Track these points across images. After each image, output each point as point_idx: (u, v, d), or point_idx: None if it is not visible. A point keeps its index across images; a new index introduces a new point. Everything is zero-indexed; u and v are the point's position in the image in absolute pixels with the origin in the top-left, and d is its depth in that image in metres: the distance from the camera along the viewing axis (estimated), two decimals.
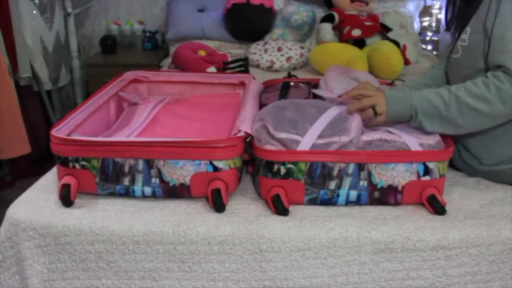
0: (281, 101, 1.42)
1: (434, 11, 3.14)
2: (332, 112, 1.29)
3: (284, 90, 1.63)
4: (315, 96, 1.62)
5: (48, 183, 1.35)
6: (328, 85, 1.58)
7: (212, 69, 2.38)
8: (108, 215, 1.20)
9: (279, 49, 2.67)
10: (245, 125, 1.28)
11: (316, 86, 1.70)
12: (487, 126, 1.27)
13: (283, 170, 1.20)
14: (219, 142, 1.19)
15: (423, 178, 1.22)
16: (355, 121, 1.27)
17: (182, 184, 1.22)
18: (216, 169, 1.21)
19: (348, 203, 1.24)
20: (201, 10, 2.99)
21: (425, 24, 3.16)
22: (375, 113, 1.28)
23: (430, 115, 1.25)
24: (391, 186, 1.22)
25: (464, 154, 1.40)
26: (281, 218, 1.19)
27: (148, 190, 1.25)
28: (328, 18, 2.76)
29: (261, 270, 1.15)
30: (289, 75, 1.84)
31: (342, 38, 2.69)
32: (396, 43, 2.54)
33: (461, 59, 1.38)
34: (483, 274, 1.16)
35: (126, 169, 1.23)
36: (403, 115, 1.28)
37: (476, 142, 1.36)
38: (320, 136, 1.22)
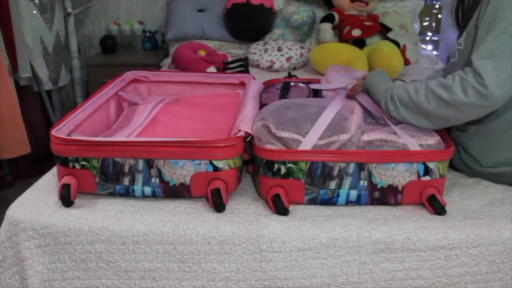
0: (282, 101, 1.42)
1: (434, 11, 3.14)
2: (333, 109, 1.28)
3: (284, 90, 1.63)
4: (315, 95, 1.62)
5: (48, 183, 1.34)
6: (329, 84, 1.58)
7: (212, 69, 2.38)
8: (108, 215, 1.20)
9: (279, 49, 2.67)
10: (245, 124, 1.28)
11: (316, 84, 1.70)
12: (454, 119, 1.25)
13: (283, 170, 1.20)
14: (219, 142, 1.19)
15: (423, 178, 1.22)
16: (355, 121, 1.27)
17: (182, 184, 1.22)
18: (216, 169, 1.21)
19: (348, 203, 1.24)
20: (201, 10, 2.99)
21: (425, 24, 3.16)
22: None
23: (404, 100, 1.27)
24: (391, 186, 1.22)
25: (463, 156, 1.40)
26: (281, 218, 1.19)
27: (148, 190, 1.25)
28: (328, 18, 2.76)
29: (261, 270, 1.15)
30: (289, 75, 1.84)
31: (342, 38, 2.69)
32: (396, 43, 2.54)
33: (457, 63, 1.39)
34: (483, 274, 1.16)
35: (126, 169, 1.23)
36: (378, 88, 1.35)
37: (475, 144, 1.37)
38: (320, 138, 1.22)
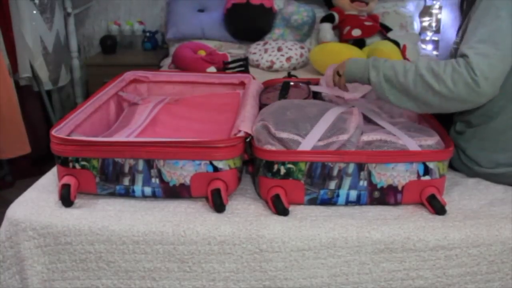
0: (282, 102, 1.42)
1: (434, 11, 3.14)
2: (333, 114, 1.28)
3: (284, 90, 1.63)
4: (315, 96, 1.62)
5: (48, 183, 1.34)
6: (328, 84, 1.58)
7: (212, 69, 2.38)
8: (108, 215, 1.20)
9: (279, 49, 2.67)
10: (245, 125, 1.27)
11: (316, 85, 1.70)
12: (438, 107, 1.24)
13: (283, 170, 1.20)
14: (219, 142, 1.19)
15: (423, 178, 1.22)
16: (354, 122, 1.27)
17: (182, 184, 1.22)
18: (216, 169, 1.21)
19: (348, 203, 1.24)
20: (201, 10, 2.99)
21: (425, 24, 3.16)
22: (339, 75, 1.39)
23: (390, 78, 1.26)
24: (391, 186, 1.22)
25: (463, 156, 1.40)
26: (281, 218, 1.19)
27: (148, 190, 1.25)
28: (328, 18, 2.76)
29: (261, 270, 1.15)
30: (289, 75, 1.84)
31: (342, 38, 2.69)
32: (396, 43, 2.54)
33: None
34: (483, 274, 1.16)
35: (126, 169, 1.23)
36: (360, 74, 1.33)
37: (473, 147, 1.37)
38: (319, 139, 1.22)
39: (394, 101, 1.27)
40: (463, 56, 1.20)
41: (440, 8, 3.14)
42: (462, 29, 1.37)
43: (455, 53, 1.39)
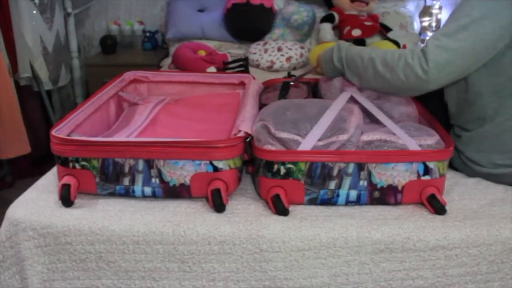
0: (282, 101, 1.42)
1: (434, 11, 3.14)
2: (332, 112, 1.28)
3: (284, 90, 1.63)
4: (315, 96, 1.62)
5: (48, 183, 1.34)
6: (328, 84, 1.58)
7: (212, 69, 2.38)
8: (108, 215, 1.20)
9: (279, 49, 2.67)
10: (245, 125, 1.27)
11: (316, 85, 1.70)
12: (395, 94, 1.37)
13: (283, 170, 1.20)
14: (219, 142, 1.19)
15: (423, 178, 1.22)
16: (354, 121, 1.27)
17: (182, 184, 1.22)
18: (216, 169, 1.21)
19: (348, 203, 1.24)
20: (201, 10, 2.99)
21: (425, 24, 3.16)
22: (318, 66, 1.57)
23: (352, 69, 1.40)
24: (391, 186, 1.22)
25: (462, 157, 1.40)
26: (281, 218, 1.19)
27: (148, 190, 1.25)
28: (328, 18, 2.76)
29: (261, 270, 1.15)
30: (289, 75, 1.84)
31: (342, 38, 2.69)
32: (396, 43, 2.54)
33: None
34: (483, 274, 1.16)
35: (126, 169, 1.23)
36: (330, 58, 1.47)
37: (471, 149, 1.38)
38: (319, 139, 1.22)
39: (359, 85, 1.41)
40: (424, 45, 1.25)
41: (440, 8, 3.14)
42: None
43: None
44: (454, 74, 1.25)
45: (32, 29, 2.60)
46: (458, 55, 1.22)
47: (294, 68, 2.65)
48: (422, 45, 1.28)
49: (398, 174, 1.21)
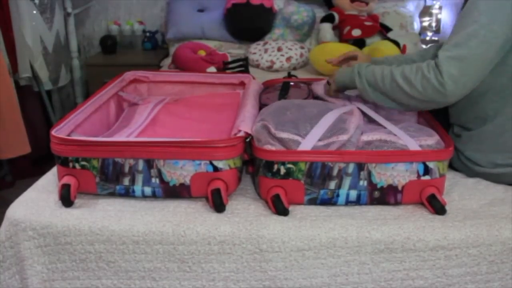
0: (282, 102, 1.42)
1: (434, 11, 3.14)
2: (333, 115, 1.29)
3: (284, 90, 1.63)
4: (315, 97, 1.62)
5: (48, 183, 1.35)
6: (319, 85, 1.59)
7: (212, 69, 2.38)
8: (108, 215, 1.20)
9: (279, 49, 2.67)
10: (245, 125, 1.27)
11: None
12: (415, 107, 1.34)
13: (283, 170, 1.20)
14: (219, 142, 1.19)
15: (423, 178, 1.22)
16: (354, 122, 1.27)
17: (182, 184, 1.22)
18: (216, 169, 1.21)
19: (348, 203, 1.24)
20: (201, 10, 2.99)
21: (425, 24, 3.16)
22: (329, 84, 1.54)
23: (372, 83, 1.36)
24: (391, 186, 1.22)
25: (462, 157, 1.40)
26: (281, 218, 1.19)
27: (148, 190, 1.25)
28: (328, 18, 2.76)
29: (261, 270, 1.15)
30: (289, 75, 1.84)
31: (342, 38, 2.69)
32: (396, 43, 2.54)
33: None
34: (483, 274, 1.16)
35: (126, 169, 1.23)
36: (348, 80, 1.44)
37: (470, 149, 1.38)
38: (319, 139, 1.22)
39: (379, 102, 1.37)
40: (436, 58, 1.24)
41: (440, 8, 3.14)
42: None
43: None
44: (470, 83, 1.23)
45: (32, 29, 2.60)
46: (471, 64, 1.21)
47: (294, 68, 2.65)
48: (429, 61, 1.26)
49: (398, 174, 1.21)
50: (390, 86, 1.30)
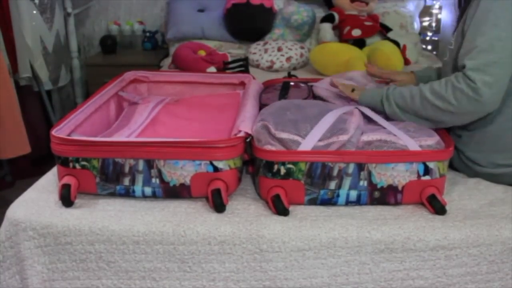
0: (282, 102, 1.42)
1: (434, 11, 3.14)
2: (333, 115, 1.29)
3: (284, 90, 1.63)
4: (315, 97, 1.62)
5: (48, 183, 1.35)
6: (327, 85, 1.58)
7: (212, 69, 2.38)
8: (108, 215, 1.20)
9: (279, 49, 2.67)
10: (245, 125, 1.27)
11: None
12: (450, 122, 1.31)
13: (283, 170, 1.20)
14: (219, 142, 1.19)
15: (423, 178, 1.22)
16: (354, 122, 1.27)
17: (182, 184, 1.22)
18: (216, 169, 1.21)
19: (348, 203, 1.24)
20: (201, 10, 2.99)
21: (425, 24, 3.16)
22: (352, 90, 1.46)
23: (401, 105, 1.33)
24: (391, 186, 1.22)
25: (462, 157, 1.40)
26: (281, 218, 1.19)
27: (148, 190, 1.25)
28: (328, 18, 2.76)
29: (261, 270, 1.15)
30: (289, 75, 1.84)
31: (342, 38, 2.69)
32: (396, 43, 2.54)
33: (448, 62, 1.42)
34: (483, 274, 1.16)
35: (126, 169, 1.23)
36: (374, 103, 1.39)
37: (471, 149, 1.38)
38: (319, 139, 1.22)
39: (411, 121, 1.33)
40: (463, 68, 1.23)
41: (440, 8, 3.14)
42: (458, 30, 1.37)
43: (450, 54, 1.40)
44: (504, 86, 1.23)
45: (32, 29, 2.60)
46: (501, 67, 1.21)
47: (294, 68, 2.65)
48: (457, 73, 1.25)
49: (398, 174, 1.21)
50: (421, 104, 1.28)
